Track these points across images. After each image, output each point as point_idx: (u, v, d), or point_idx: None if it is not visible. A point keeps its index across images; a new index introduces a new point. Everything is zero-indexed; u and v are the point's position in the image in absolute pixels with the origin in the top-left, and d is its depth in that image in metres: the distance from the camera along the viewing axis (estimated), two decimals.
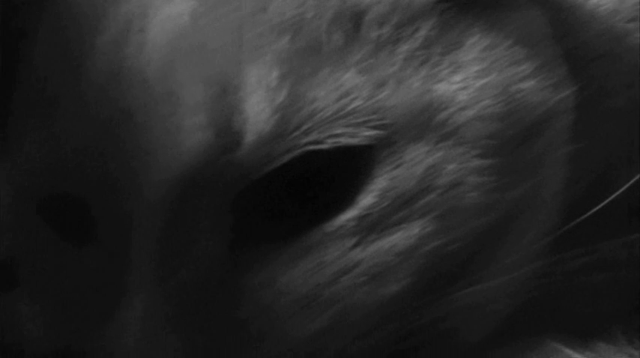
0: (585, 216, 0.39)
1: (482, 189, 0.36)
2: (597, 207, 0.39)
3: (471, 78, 0.37)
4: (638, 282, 0.41)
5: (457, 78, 0.37)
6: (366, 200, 0.35)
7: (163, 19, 0.36)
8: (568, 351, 0.38)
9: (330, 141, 0.35)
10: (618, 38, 0.44)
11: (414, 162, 0.35)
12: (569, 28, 0.43)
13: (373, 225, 0.35)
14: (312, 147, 0.34)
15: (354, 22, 0.36)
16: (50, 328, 0.39)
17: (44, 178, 0.38)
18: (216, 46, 0.35)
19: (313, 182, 0.35)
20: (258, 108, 0.34)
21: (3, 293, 0.42)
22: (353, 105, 0.35)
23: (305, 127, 0.34)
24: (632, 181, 0.39)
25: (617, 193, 0.39)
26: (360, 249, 0.35)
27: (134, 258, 0.35)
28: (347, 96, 0.35)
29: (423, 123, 0.36)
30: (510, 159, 0.37)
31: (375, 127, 0.35)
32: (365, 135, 0.35)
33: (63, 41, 0.38)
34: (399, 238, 0.35)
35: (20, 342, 0.41)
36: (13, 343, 0.41)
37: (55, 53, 0.38)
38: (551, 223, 0.40)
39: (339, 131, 0.35)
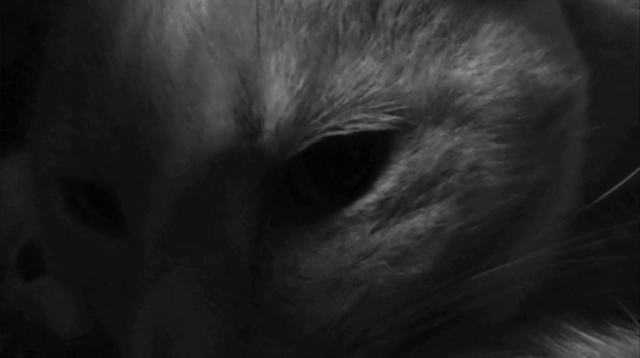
0: (600, 198, 0.39)
1: (499, 172, 0.36)
2: (611, 190, 0.39)
3: (486, 64, 0.37)
4: None
5: (473, 64, 0.37)
6: (385, 185, 0.36)
7: (181, 10, 0.37)
8: (582, 334, 0.38)
9: (349, 126, 0.35)
10: (630, 24, 0.44)
11: (432, 147, 0.36)
12: (582, 14, 0.43)
13: (393, 210, 0.36)
14: (331, 133, 0.35)
15: (370, 11, 0.37)
16: (79, 314, 0.40)
17: (71, 163, 0.38)
18: (234, 36, 0.36)
19: (334, 168, 0.36)
20: (277, 96, 0.35)
21: (28, 280, 0.43)
22: (371, 92, 0.35)
23: (324, 114, 0.35)
24: None
25: (630, 176, 0.40)
26: (380, 233, 0.36)
27: (160, 243, 0.35)
28: (365, 83, 0.35)
29: (441, 108, 0.36)
30: (529, 142, 0.37)
31: (393, 113, 0.35)
32: (383, 120, 0.35)
33: (86, 33, 0.39)
34: (419, 222, 0.36)
35: (49, 328, 0.42)
36: (43, 329, 0.42)
37: (78, 44, 0.39)
38: (571, 205, 0.40)
39: (357, 117, 0.35)
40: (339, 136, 0.35)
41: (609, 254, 0.40)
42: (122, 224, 0.38)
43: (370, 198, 0.36)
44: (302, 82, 0.35)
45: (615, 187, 0.39)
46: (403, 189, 0.36)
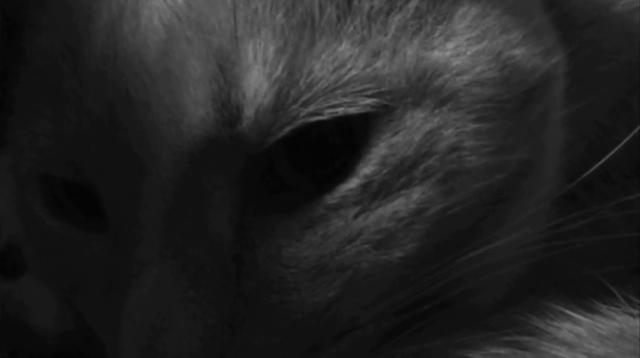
0: (581, 178, 0.39)
1: (480, 153, 0.36)
2: (591, 169, 0.40)
3: (464, 45, 0.37)
4: (635, 243, 0.41)
5: (450, 45, 0.37)
6: (367, 168, 0.36)
7: (156, 1, 0.37)
8: (568, 313, 0.38)
9: (328, 111, 0.35)
10: (605, 6, 0.45)
11: (412, 129, 0.36)
12: None
13: (375, 193, 0.36)
14: (311, 119, 0.35)
15: None
16: (61, 311, 0.39)
17: (51, 160, 0.38)
18: (211, 24, 0.36)
19: (314, 155, 0.36)
20: (256, 83, 0.35)
21: (10, 279, 0.42)
22: (349, 75, 0.35)
23: (303, 99, 0.35)
24: (623, 142, 0.40)
25: (609, 155, 0.40)
26: (363, 218, 0.36)
27: (143, 236, 0.35)
28: (343, 67, 0.35)
29: (420, 90, 0.36)
30: (510, 122, 0.37)
31: (372, 96, 0.35)
32: (363, 103, 0.35)
33: (62, 29, 0.39)
34: (400, 204, 0.36)
35: (31, 326, 0.41)
36: (26, 327, 0.42)
37: (55, 41, 0.39)
38: (553, 187, 0.40)
39: (337, 101, 0.35)
40: (318, 123, 0.35)
41: (592, 234, 0.40)
42: (103, 221, 0.38)
43: (352, 182, 0.36)
44: (280, 68, 0.35)
45: (595, 166, 0.40)
46: (384, 172, 0.36)
